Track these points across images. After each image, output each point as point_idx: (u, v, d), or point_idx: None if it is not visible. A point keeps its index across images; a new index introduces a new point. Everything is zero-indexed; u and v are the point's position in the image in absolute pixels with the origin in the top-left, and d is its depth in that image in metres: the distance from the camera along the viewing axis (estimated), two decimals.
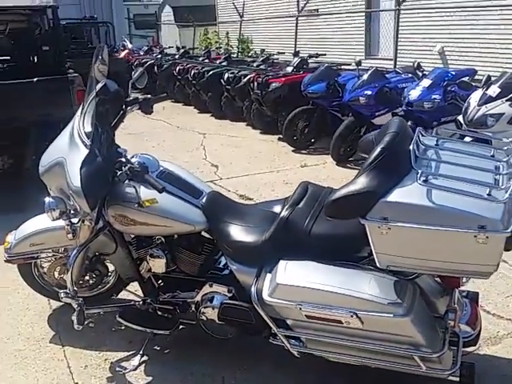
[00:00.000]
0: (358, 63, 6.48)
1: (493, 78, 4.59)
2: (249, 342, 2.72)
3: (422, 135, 2.16)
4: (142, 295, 2.81)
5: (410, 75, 6.23)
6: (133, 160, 2.48)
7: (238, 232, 2.45)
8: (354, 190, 1.96)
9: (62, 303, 3.03)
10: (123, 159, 2.45)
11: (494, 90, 4.33)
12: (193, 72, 9.63)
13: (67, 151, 2.51)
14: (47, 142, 2.77)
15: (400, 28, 8.73)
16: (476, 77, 5.67)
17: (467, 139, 3.87)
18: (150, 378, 2.61)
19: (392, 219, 1.87)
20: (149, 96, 2.93)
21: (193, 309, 2.64)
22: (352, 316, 2.01)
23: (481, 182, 1.86)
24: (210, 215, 2.54)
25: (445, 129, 4.43)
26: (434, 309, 2.17)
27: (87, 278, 3.02)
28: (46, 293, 3.11)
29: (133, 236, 2.72)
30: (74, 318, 2.58)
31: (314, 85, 6.66)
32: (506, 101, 4.24)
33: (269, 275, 2.25)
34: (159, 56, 12.55)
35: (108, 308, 2.95)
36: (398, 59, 9.46)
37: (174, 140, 7.87)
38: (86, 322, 2.96)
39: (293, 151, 6.99)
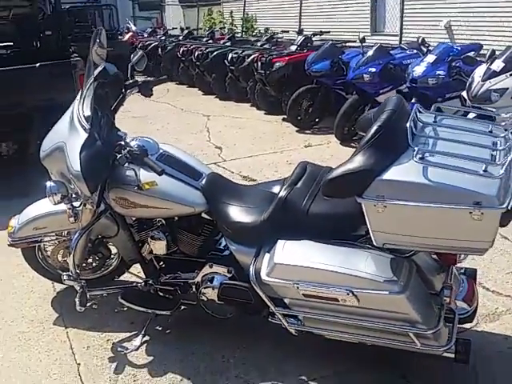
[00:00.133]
0: (362, 40, 6.41)
1: (497, 53, 4.53)
2: (248, 322, 2.74)
3: (420, 112, 2.14)
4: (143, 277, 2.84)
5: (415, 51, 6.17)
6: (132, 143, 2.48)
7: (237, 213, 2.46)
8: (350, 169, 1.95)
9: (65, 286, 3.07)
10: (122, 142, 2.45)
11: (498, 65, 4.28)
12: (196, 53, 9.56)
13: (67, 135, 2.53)
14: (50, 127, 2.79)
15: (406, 3, 8.60)
16: (482, 52, 5.59)
17: (471, 115, 3.84)
18: (151, 358, 2.65)
19: (388, 197, 1.87)
20: (149, 79, 2.90)
21: (193, 289, 2.67)
22: (348, 294, 2.02)
23: (477, 158, 1.85)
24: (209, 197, 2.55)
25: (448, 106, 4.39)
26: (430, 286, 2.17)
27: (90, 260, 3.05)
28: (50, 276, 3.15)
29: (134, 219, 2.75)
30: (76, 299, 2.61)
31: (317, 63, 6.60)
32: (510, 75, 4.19)
33: (267, 255, 2.26)
34: (163, 38, 12.48)
35: (110, 290, 2.98)
36: (404, 35, 9.35)
37: (178, 122, 7.86)
38: (88, 304, 3.01)
39: (297, 131, 6.96)
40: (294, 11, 11.92)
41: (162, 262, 2.81)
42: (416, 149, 1.87)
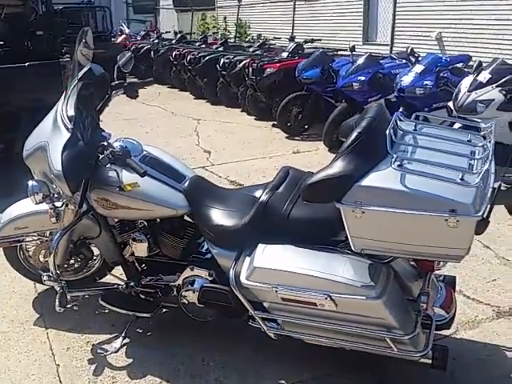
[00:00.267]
0: (352, 49, 6.45)
1: (484, 65, 4.58)
2: (229, 325, 2.74)
3: (401, 120, 2.16)
4: (125, 279, 2.83)
5: (404, 61, 6.22)
6: (115, 144, 2.48)
7: (219, 216, 2.46)
8: (329, 174, 1.97)
9: (47, 287, 3.05)
10: (105, 143, 2.46)
11: (484, 76, 4.32)
12: (189, 57, 9.57)
13: (50, 135, 2.52)
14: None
15: (397, 13, 8.69)
16: (472, 63, 5.65)
17: (457, 126, 3.88)
18: (131, 360, 2.64)
19: (366, 203, 1.89)
20: (134, 80, 2.91)
21: (174, 292, 2.67)
22: (326, 298, 2.04)
23: (454, 167, 1.87)
24: (191, 199, 2.55)
25: (433, 115, 4.43)
26: (408, 292, 2.19)
27: (72, 261, 3.04)
28: (32, 276, 3.14)
29: (116, 220, 2.75)
30: (56, 300, 2.60)
31: (308, 70, 6.64)
32: (496, 87, 4.24)
33: (247, 258, 2.27)
34: (156, 41, 12.47)
35: (91, 291, 2.97)
36: (395, 45, 9.43)
37: (168, 126, 7.86)
38: (69, 305, 2.99)
39: (286, 137, 6.99)
40: (287, 18, 11.98)
41: (143, 265, 2.81)
42: (395, 156, 1.89)
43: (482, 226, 1.81)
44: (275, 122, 7.33)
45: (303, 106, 6.84)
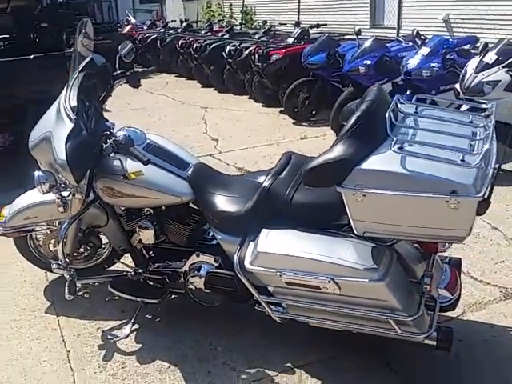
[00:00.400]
0: (358, 32, 6.39)
1: (491, 46, 4.54)
2: (236, 310, 2.78)
3: (401, 103, 2.15)
4: (133, 266, 2.87)
5: (410, 44, 6.16)
6: (119, 133, 2.51)
7: (223, 202, 2.48)
8: (329, 158, 1.98)
9: (58, 275, 3.11)
10: (108, 132, 2.48)
11: (490, 57, 4.29)
12: (195, 45, 9.55)
13: (54, 126, 2.55)
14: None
15: None
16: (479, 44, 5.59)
17: (464, 108, 3.85)
18: (140, 346, 2.69)
19: (366, 186, 1.89)
20: (136, 69, 2.93)
21: (181, 278, 2.71)
22: (329, 281, 2.05)
23: (455, 148, 1.87)
24: (195, 186, 2.58)
25: (440, 98, 4.40)
26: (412, 274, 2.20)
27: (82, 250, 3.08)
28: (42, 265, 3.19)
29: (123, 208, 2.78)
30: (65, 288, 2.65)
31: (313, 56, 6.60)
32: (503, 67, 4.20)
33: (251, 244, 2.29)
34: (162, 30, 12.46)
35: (100, 278, 3.02)
36: (403, 28, 9.34)
37: (175, 115, 7.88)
38: (80, 293, 3.08)
39: (293, 124, 6.97)
40: (293, 4, 11.89)
41: (151, 252, 2.84)
42: (395, 139, 1.89)
43: (483, 206, 1.81)
44: (282, 109, 7.31)
45: (310, 92, 6.81)
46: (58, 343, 2.75)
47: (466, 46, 5.65)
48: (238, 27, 12.09)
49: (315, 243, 2.14)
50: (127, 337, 2.75)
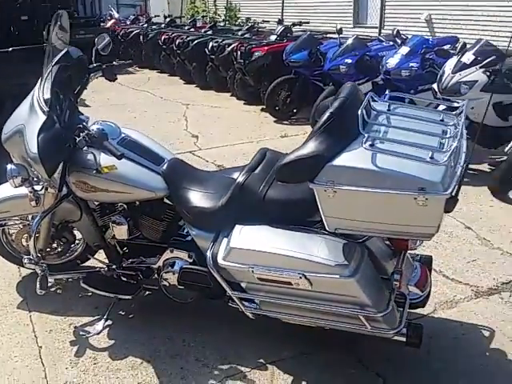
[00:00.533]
0: (340, 31, 6.43)
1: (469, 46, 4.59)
2: (210, 306, 2.77)
3: (374, 101, 2.17)
4: (107, 262, 2.85)
5: (391, 43, 6.21)
6: (92, 127, 2.49)
7: (197, 198, 2.48)
8: (302, 154, 1.98)
9: (31, 271, 3.06)
10: (81, 125, 2.45)
11: (468, 58, 4.34)
12: (178, 41, 9.49)
13: (27, 118, 2.52)
14: None
15: None
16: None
17: (441, 107, 3.89)
18: (113, 342, 2.67)
19: (337, 182, 1.90)
20: (113, 63, 2.90)
21: (155, 274, 2.69)
22: (301, 277, 2.06)
23: (425, 146, 1.89)
24: (170, 182, 2.56)
25: (417, 98, 4.45)
26: (383, 271, 2.21)
27: (55, 245, 3.05)
28: (15, 260, 3.14)
29: (97, 203, 2.76)
30: (37, 283, 2.62)
31: (295, 53, 6.63)
32: (480, 68, 4.25)
33: (224, 240, 2.29)
34: (145, 25, 12.36)
35: (73, 274, 2.99)
36: (385, 28, 9.39)
37: (156, 111, 7.82)
38: (53, 289, 3.05)
39: (274, 122, 6.99)
40: (277, 2, 11.89)
41: (125, 247, 2.83)
42: (366, 136, 1.90)
43: (451, 203, 1.83)
44: (264, 107, 7.32)
45: (291, 90, 6.82)
46: (29, 339, 2.72)
47: (446, 46, 5.71)
48: (222, 24, 12.05)
49: (288, 239, 2.15)
50: (100, 333, 2.72)
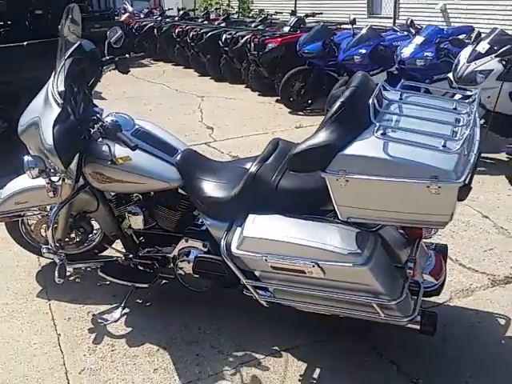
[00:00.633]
0: (353, 21, 6.39)
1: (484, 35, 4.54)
2: (226, 294, 2.80)
3: (386, 90, 2.17)
4: (124, 251, 2.90)
5: (406, 33, 6.16)
6: (107, 119, 2.52)
7: (211, 188, 2.51)
8: (313, 144, 1.99)
9: (50, 260, 3.13)
10: (95, 117, 2.49)
11: (483, 47, 4.29)
12: (191, 34, 9.53)
13: (42, 111, 2.56)
14: None
15: None
16: None
17: (457, 97, 3.86)
18: (130, 329, 2.72)
19: (349, 171, 1.91)
20: (125, 55, 2.92)
21: (171, 263, 2.74)
22: (314, 266, 2.07)
23: (437, 134, 1.88)
24: (184, 172, 2.60)
25: (433, 87, 4.41)
26: (397, 259, 2.21)
27: (73, 235, 3.11)
28: (34, 249, 3.21)
29: (113, 194, 2.80)
30: (55, 272, 2.68)
31: (309, 44, 6.61)
32: (495, 57, 4.21)
33: (238, 229, 2.31)
34: (159, 18, 12.40)
35: (91, 263, 3.05)
36: (400, 18, 9.31)
37: (171, 103, 7.88)
38: (72, 278, 3.11)
39: (289, 113, 6.99)
40: None
41: (141, 237, 2.87)
42: (377, 124, 1.90)
43: (464, 192, 1.83)
44: (279, 98, 7.32)
45: (305, 81, 6.81)
46: (48, 326, 2.78)
47: (461, 36, 5.64)
48: (235, 16, 12.04)
49: (300, 228, 2.16)
50: (117, 320, 2.78)
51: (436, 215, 1.92)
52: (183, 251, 2.65)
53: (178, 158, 2.63)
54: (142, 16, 14.01)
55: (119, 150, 2.50)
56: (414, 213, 1.94)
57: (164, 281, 2.93)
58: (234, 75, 8.77)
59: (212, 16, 11.52)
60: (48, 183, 2.63)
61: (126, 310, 2.85)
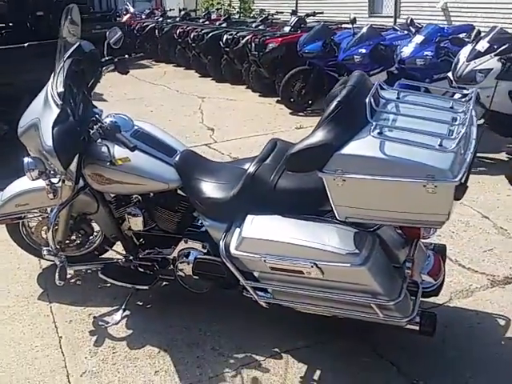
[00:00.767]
0: (353, 21, 6.38)
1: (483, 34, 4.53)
2: (226, 296, 2.80)
3: (383, 89, 2.17)
4: (124, 253, 2.90)
5: (406, 32, 6.15)
6: (106, 119, 2.52)
7: (209, 189, 2.51)
8: (310, 144, 1.99)
9: (51, 263, 3.14)
10: (95, 118, 2.50)
11: (482, 45, 4.29)
12: (192, 35, 9.53)
13: (41, 112, 2.57)
14: None
15: None
16: None
17: (457, 96, 3.85)
18: (131, 331, 2.72)
19: (346, 171, 1.90)
20: (125, 56, 2.93)
21: (171, 265, 2.74)
22: (312, 266, 2.07)
23: (434, 133, 1.88)
24: (182, 173, 2.60)
25: (433, 87, 4.41)
26: (395, 259, 2.21)
27: (74, 237, 3.11)
28: (34, 252, 3.21)
29: (113, 195, 2.81)
30: (56, 274, 2.68)
31: (309, 44, 6.61)
32: (495, 56, 4.20)
33: (237, 230, 2.31)
34: (160, 19, 12.42)
35: (91, 265, 3.05)
36: (400, 17, 9.30)
37: (172, 104, 7.88)
38: (73, 280, 3.11)
39: (290, 113, 6.99)
40: None
41: (141, 239, 2.88)
42: (374, 124, 1.90)
43: (460, 191, 1.82)
44: (279, 99, 7.32)
45: (306, 81, 6.81)
46: (50, 329, 2.79)
47: (462, 35, 5.63)
48: (236, 16, 12.04)
49: (299, 229, 2.17)
50: (118, 323, 2.78)
51: (433, 214, 1.92)
52: (183, 252, 2.66)
53: (177, 158, 2.63)
54: (143, 17, 14.03)
55: (118, 151, 2.51)
56: (411, 212, 1.93)
57: (164, 283, 2.94)
58: (235, 76, 8.78)
59: (213, 16, 11.53)
60: (48, 185, 2.63)
61: (127, 312, 2.85)
